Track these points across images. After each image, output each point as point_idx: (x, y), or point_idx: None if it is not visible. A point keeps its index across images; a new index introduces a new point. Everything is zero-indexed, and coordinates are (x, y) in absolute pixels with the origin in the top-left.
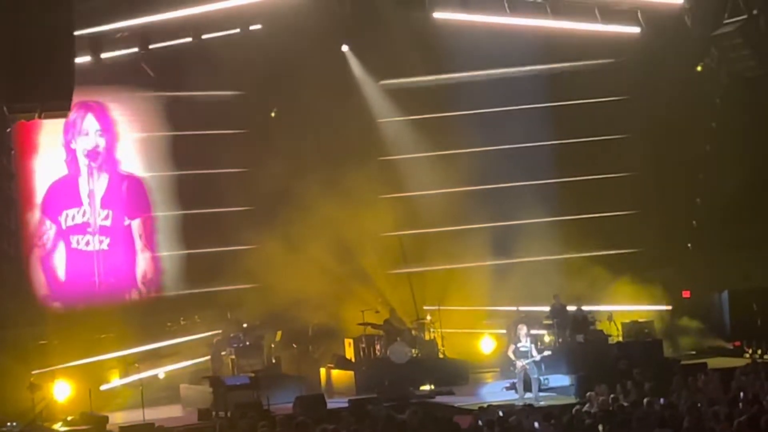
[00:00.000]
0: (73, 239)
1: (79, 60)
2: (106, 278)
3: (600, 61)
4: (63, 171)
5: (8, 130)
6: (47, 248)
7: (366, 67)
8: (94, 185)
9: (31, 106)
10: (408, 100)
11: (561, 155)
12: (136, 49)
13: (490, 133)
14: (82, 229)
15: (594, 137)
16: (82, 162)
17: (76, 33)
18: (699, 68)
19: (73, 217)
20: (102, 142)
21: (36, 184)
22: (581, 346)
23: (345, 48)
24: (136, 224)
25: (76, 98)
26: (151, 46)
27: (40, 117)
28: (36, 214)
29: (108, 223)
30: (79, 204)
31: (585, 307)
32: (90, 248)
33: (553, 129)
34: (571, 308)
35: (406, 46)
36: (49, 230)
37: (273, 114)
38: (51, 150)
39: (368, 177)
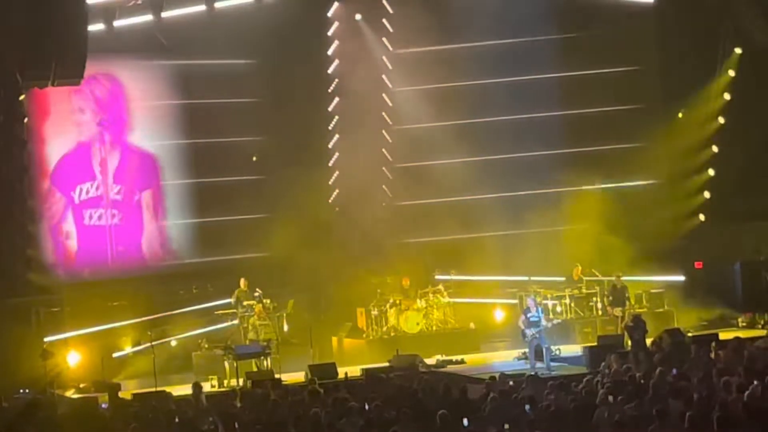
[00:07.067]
0: (86, 214)
1: (92, 28)
2: (117, 253)
3: (613, 30)
4: (75, 140)
5: (21, 97)
6: (56, 220)
7: (379, 36)
8: (106, 156)
9: (45, 73)
10: (421, 68)
11: (574, 126)
12: (149, 18)
13: (503, 102)
14: (95, 202)
15: (607, 107)
16: (95, 132)
17: (89, 1)
18: None
19: (87, 191)
20: (114, 111)
21: (48, 152)
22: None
23: (358, 17)
24: (146, 196)
25: (89, 67)
26: (164, 15)
27: (53, 84)
28: (46, 184)
29: (120, 197)
30: (93, 177)
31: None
32: (102, 222)
33: (566, 99)
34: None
35: (420, 14)
36: (59, 202)
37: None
38: (63, 118)
39: (380, 146)
